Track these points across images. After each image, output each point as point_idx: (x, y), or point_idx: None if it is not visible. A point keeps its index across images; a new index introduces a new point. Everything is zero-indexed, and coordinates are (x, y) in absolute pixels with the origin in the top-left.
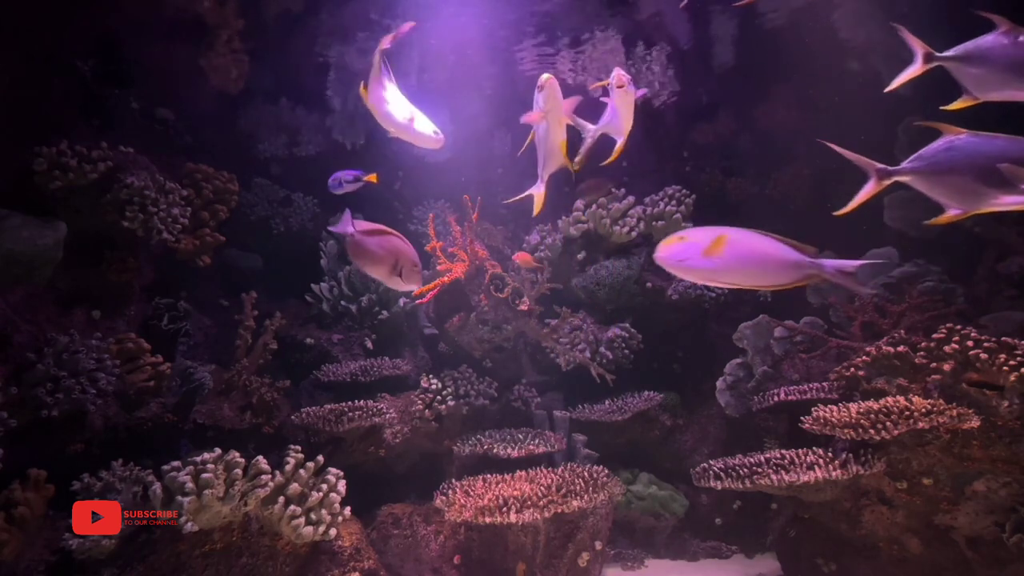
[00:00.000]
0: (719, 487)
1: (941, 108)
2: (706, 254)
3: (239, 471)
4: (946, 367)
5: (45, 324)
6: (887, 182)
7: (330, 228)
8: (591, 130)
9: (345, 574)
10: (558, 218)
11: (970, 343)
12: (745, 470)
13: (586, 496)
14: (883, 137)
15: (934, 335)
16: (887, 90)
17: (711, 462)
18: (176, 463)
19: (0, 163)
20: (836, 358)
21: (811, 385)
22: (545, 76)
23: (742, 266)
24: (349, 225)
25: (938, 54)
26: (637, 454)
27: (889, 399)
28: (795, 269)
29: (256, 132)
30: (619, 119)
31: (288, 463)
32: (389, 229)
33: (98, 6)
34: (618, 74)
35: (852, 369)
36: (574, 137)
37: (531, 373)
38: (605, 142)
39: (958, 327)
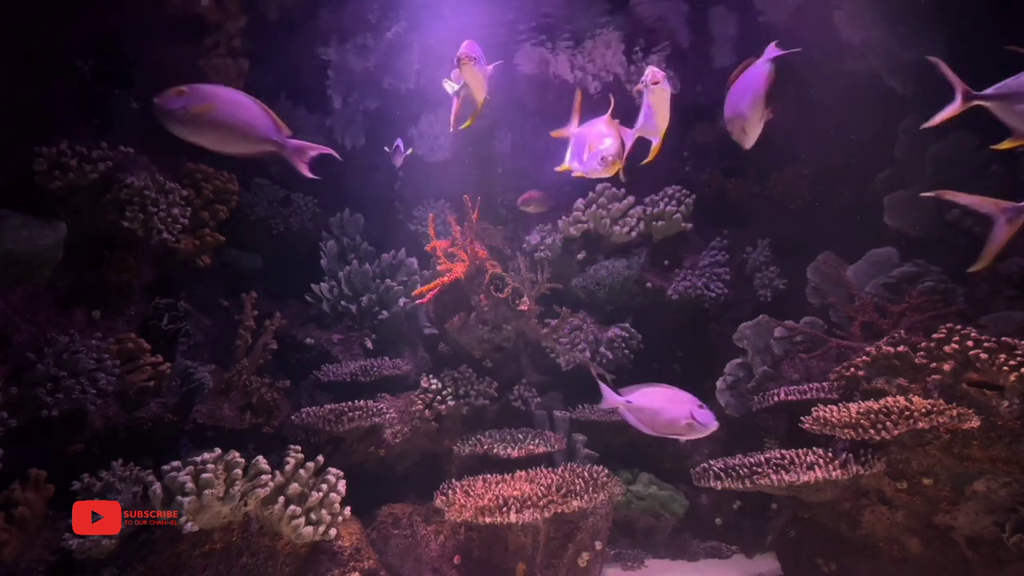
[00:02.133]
0: (719, 487)
1: (992, 148)
2: (187, 109)
3: (239, 471)
4: (946, 367)
5: (45, 324)
6: (1019, 221)
7: (604, 407)
8: (628, 134)
9: (345, 574)
10: (558, 218)
11: (970, 343)
12: (745, 470)
13: (586, 496)
14: (884, 137)
15: (934, 335)
16: (926, 126)
17: (711, 462)
18: (176, 463)
19: (0, 163)
20: (836, 358)
21: (811, 385)
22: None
23: (210, 125)
24: (616, 396)
25: (976, 92)
26: (637, 454)
27: (889, 399)
28: (260, 142)
29: None
30: (654, 118)
31: (288, 463)
32: (652, 385)
33: (98, 6)
34: (652, 71)
35: (852, 369)
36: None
37: (531, 373)
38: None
39: (958, 327)
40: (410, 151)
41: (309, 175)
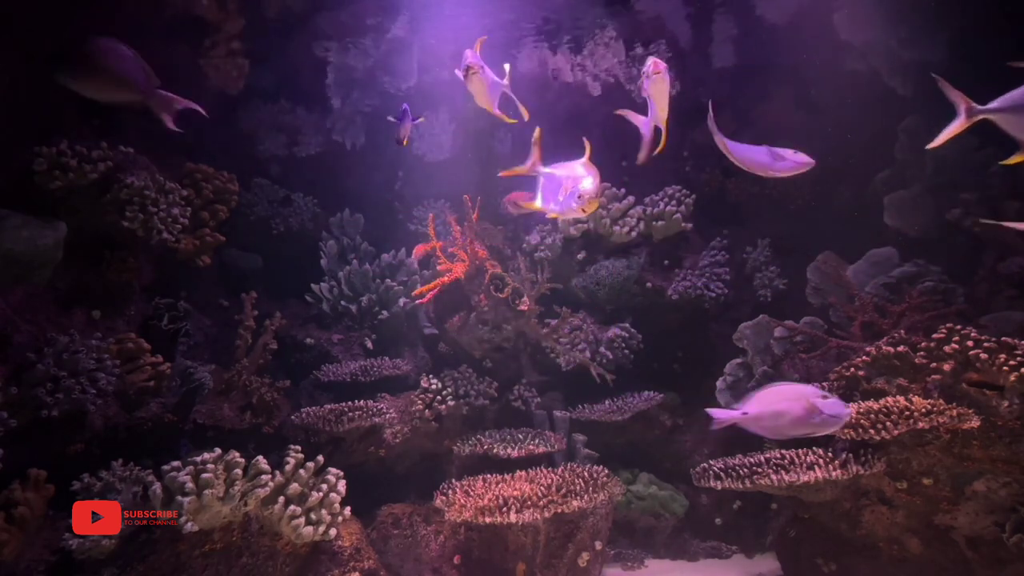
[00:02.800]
0: (719, 487)
1: (1000, 164)
2: None
3: (239, 471)
4: (946, 367)
5: (45, 324)
6: None
7: (716, 427)
8: (644, 122)
9: (345, 574)
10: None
11: (970, 343)
12: (745, 470)
13: (586, 496)
14: (884, 137)
15: (934, 335)
16: (931, 146)
17: (711, 462)
18: (176, 463)
19: (0, 163)
20: (836, 358)
21: None
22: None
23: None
24: (729, 412)
25: (980, 107)
26: (637, 454)
27: (889, 399)
28: (126, 90)
29: (256, 132)
30: (653, 108)
31: (288, 463)
32: (764, 388)
33: (98, 6)
34: (654, 61)
35: (852, 369)
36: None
37: (531, 373)
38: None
39: (958, 327)
40: (421, 119)
41: (173, 128)
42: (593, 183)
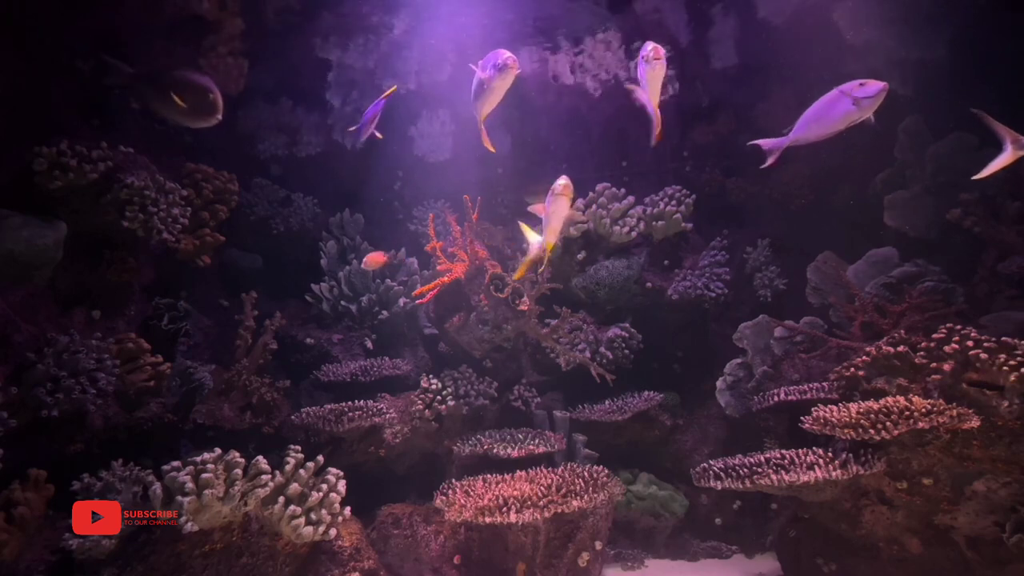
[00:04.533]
0: (719, 487)
1: None
2: None
3: (239, 471)
4: (946, 367)
5: (45, 324)
6: None
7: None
8: (646, 101)
9: (345, 574)
10: None
11: (970, 343)
12: (745, 470)
13: (586, 496)
14: (884, 137)
15: (934, 335)
16: (976, 178)
17: (711, 462)
18: (176, 463)
19: (0, 163)
20: (836, 358)
21: (811, 385)
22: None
23: None
24: None
25: None
26: (637, 454)
27: (889, 399)
28: None
29: (256, 132)
30: (645, 91)
31: (288, 463)
32: None
33: (98, 6)
34: (654, 47)
35: (852, 369)
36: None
37: (531, 373)
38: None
39: (958, 327)
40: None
41: None
42: (567, 179)
